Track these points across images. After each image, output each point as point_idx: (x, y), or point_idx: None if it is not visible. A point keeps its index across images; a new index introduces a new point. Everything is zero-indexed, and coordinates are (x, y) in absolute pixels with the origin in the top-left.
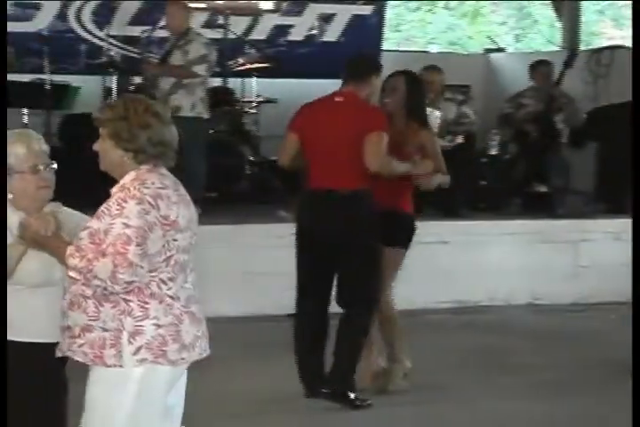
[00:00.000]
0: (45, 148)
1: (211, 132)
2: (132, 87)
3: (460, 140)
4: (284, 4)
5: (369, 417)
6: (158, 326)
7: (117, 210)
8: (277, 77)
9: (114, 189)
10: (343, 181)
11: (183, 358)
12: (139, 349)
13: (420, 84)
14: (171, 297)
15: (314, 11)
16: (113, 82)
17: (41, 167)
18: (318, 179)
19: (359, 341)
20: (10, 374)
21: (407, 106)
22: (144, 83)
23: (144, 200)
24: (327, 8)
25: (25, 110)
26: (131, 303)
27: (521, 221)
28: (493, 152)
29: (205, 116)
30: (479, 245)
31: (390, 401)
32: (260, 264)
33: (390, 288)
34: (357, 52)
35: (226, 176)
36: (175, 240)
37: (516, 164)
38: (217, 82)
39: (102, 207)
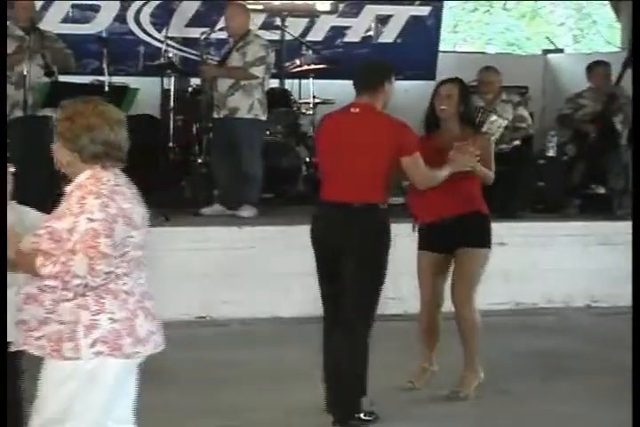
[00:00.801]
0: None
1: (267, 133)
2: (190, 89)
3: (517, 142)
4: (341, 6)
5: (424, 417)
6: (113, 320)
7: (79, 208)
8: (334, 79)
9: (69, 188)
10: (358, 194)
11: (138, 352)
12: (95, 342)
13: (469, 90)
14: (126, 292)
15: (371, 12)
16: (171, 83)
17: None
18: (333, 191)
19: (363, 357)
20: None
21: (460, 112)
22: (202, 84)
23: (102, 195)
24: (384, 9)
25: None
26: (87, 298)
27: (579, 223)
28: (551, 153)
29: (263, 117)
30: (537, 247)
31: (447, 402)
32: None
33: (475, 293)
34: (365, 59)
35: (282, 177)
36: (131, 237)
37: (575, 165)
38: (274, 83)
39: (62, 207)
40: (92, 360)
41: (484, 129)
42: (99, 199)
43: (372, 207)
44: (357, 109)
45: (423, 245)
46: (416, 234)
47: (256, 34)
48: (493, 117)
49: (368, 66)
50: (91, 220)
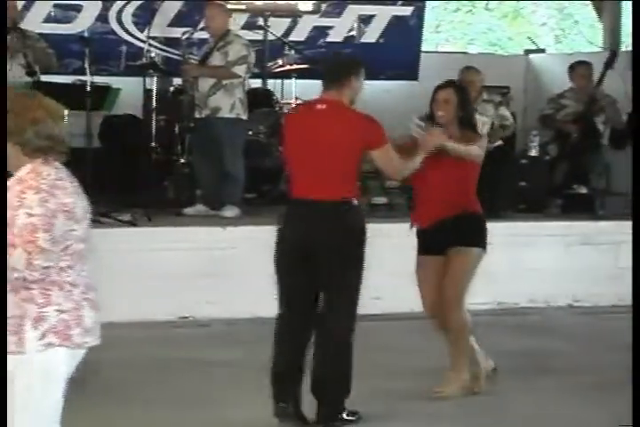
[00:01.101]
0: None
1: (250, 133)
2: (172, 88)
3: (499, 142)
4: (324, 6)
5: (408, 417)
6: (61, 311)
7: (18, 202)
8: (316, 79)
9: (10, 182)
10: (328, 192)
11: (86, 342)
12: (44, 334)
13: (467, 93)
14: (70, 284)
15: (353, 12)
16: (153, 83)
17: None
18: (303, 189)
19: (348, 357)
20: None
21: (460, 116)
22: (184, 84)
23: (41, 190)
24: (366, 9)
25: (66, 111)
26: (32, 291)
27: (561, 223)
28: (534, 153)
29: (244, 117)
30: (519, 247)
31: (431, 402)
32: None
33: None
34: (333, 53)
35: (265, 177)
36: (73, 230)
37: (557, 165)
38: (256, 83)
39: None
40: (42, 353)
41: None
42: (38, 194)
43: (345, 204)
44: (324, 106)
45: (422, 250)
46: (409, 234)
47: (236, 34)
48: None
49: (335, 61)
50: (30, 215)
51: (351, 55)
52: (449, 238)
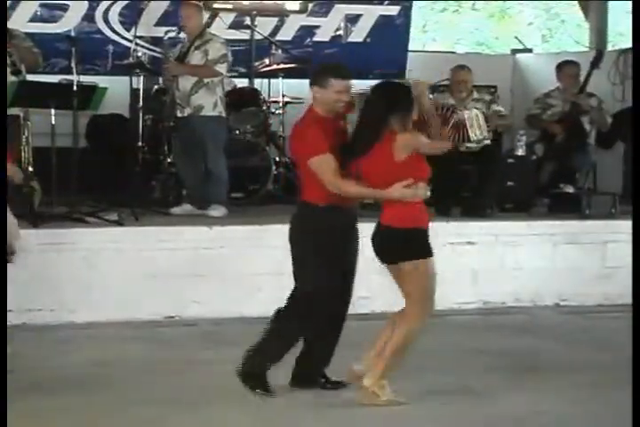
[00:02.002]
0: None
1: (237, 132)
2: (156, 87)
3: (487, 141)
4: (311, 5)
5: (392, 415)
6: None
7: None
8: (303, 78)
9: None
10: (302, 194)
11: None
12: None
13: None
14: None
15: (340, 11)
16: (140, 83)
17: None
18: None
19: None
20: None
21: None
22: (165, 83)
23: None
24: (353, 8)
25: (53, 111)
26: None
27: (548, 222)
28: (520, 153)
29: (224, 114)
30: (506, 246)
31: (415, 400)
32: (286, 264)
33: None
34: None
35: (252, 177)
36: None
37: (544, 164)
38: (243, 82)
39: None
40: None
41: (469, 129)
42: None
43: (308, 206)
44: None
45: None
46: None
47: (212, 33)
48: (466, 114)
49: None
50: None
51: (322, 63)
52: None
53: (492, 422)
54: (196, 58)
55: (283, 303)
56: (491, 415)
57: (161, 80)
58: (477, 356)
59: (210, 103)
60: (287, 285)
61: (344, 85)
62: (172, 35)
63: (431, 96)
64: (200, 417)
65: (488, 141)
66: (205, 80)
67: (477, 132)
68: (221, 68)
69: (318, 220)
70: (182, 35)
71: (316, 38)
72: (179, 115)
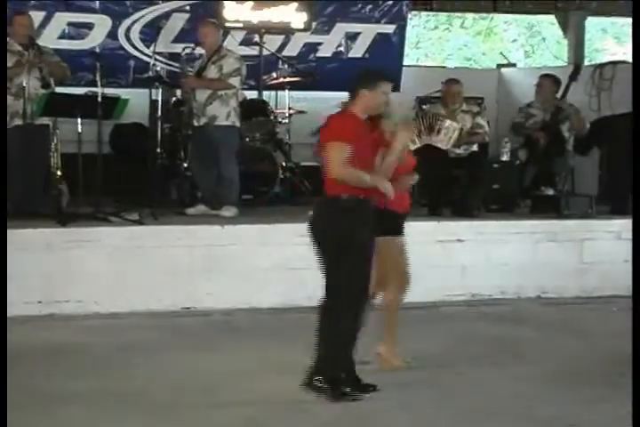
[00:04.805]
0: None
1: (247, 140)
2: (174, 99)
3: (474, 148)
4: (314, 24)
5: (382, 401)
6: None
7: None
8: (308, 90)
9: None
10: (326, 190)
11: None
12: None
13: None
14: None
15: (341, 29)
16: (159, 95)
17: None
18: None
19: (335, 330)
20: None
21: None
22: (183, 95)
23: None
24: (353, 27)
25: (79, 120)
26: None
27: (530, 222)
28: (505, 158)
29: (238, 124)
30: (491, 243)
31: (407, 387)
32: (292, 259)
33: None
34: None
35: (261, 180)
36: None
37: (526, 169)
38: (253, 94)
39: None
40: None
41: (442, 133)
42: None
43: (329, 200)
44: (335, 112)
45: (396, 231)
46: None
47: (228, 49)
48: (447, 123)
49: (355, 75)
50: None
51: (368, 69)
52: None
53: (476, 402)
54: (211, 72)
55: (289, 295)
56: (475, 396)
57: (179, 92)
58: (465, 343)
59: (223, 113)
60: (293, 278)
61: (390, 87)
62: (188, 51)
63: (424, 107)
64: (213, 400)
65: (461, 151)
66: (220, 92)
67: (444, 140)
68: (234, 81)
69: (348, 211)
70: (197, 50)
71: (319, 54)
72: (195, 124)
